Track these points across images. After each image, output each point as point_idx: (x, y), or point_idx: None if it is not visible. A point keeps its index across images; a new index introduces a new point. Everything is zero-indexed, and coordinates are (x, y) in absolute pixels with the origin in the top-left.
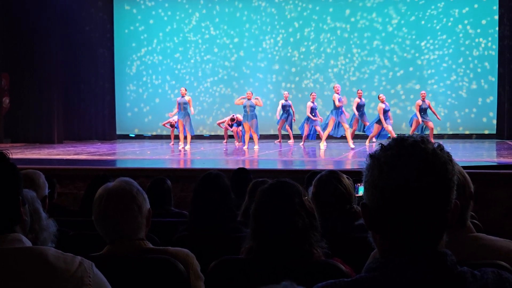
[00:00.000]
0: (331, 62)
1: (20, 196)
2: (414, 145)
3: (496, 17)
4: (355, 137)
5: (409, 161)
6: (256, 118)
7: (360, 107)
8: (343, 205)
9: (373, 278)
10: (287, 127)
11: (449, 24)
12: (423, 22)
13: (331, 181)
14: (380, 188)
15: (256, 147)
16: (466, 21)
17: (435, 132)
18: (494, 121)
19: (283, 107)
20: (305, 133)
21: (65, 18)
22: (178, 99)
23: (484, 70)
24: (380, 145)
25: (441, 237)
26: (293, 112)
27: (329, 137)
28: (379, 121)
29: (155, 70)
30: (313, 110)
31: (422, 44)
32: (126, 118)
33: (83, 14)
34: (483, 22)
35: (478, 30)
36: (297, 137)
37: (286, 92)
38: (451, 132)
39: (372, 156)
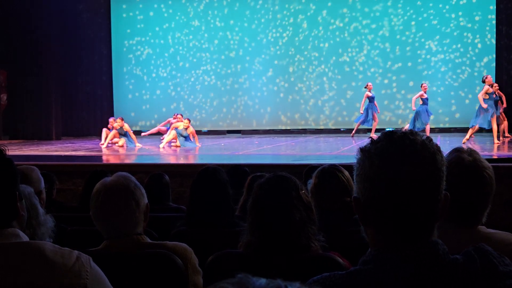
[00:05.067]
0: (330, 60)
1: (17, 191)
2: (403, 137)
3: (493, 16)
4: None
5: (399, 152)
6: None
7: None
8: (344, 197)
9: (367, 270)
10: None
11: (446, 13)
12: (427, 20)
13: (333, 172)
14: (371, 180)
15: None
16: (460, 13)
17: (432, 126)
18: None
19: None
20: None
21: (65, 19)
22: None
23: (482, 64)
24: (370, 139)
25: (433, 228)
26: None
27: (327, 132)
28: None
29: (159, 58)
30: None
31: (423, 40)
32: (125, 100)
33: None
34: (477, 18)
35: (469, 25)
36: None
37: None
38: (448, 126)
39: (362, 149)
